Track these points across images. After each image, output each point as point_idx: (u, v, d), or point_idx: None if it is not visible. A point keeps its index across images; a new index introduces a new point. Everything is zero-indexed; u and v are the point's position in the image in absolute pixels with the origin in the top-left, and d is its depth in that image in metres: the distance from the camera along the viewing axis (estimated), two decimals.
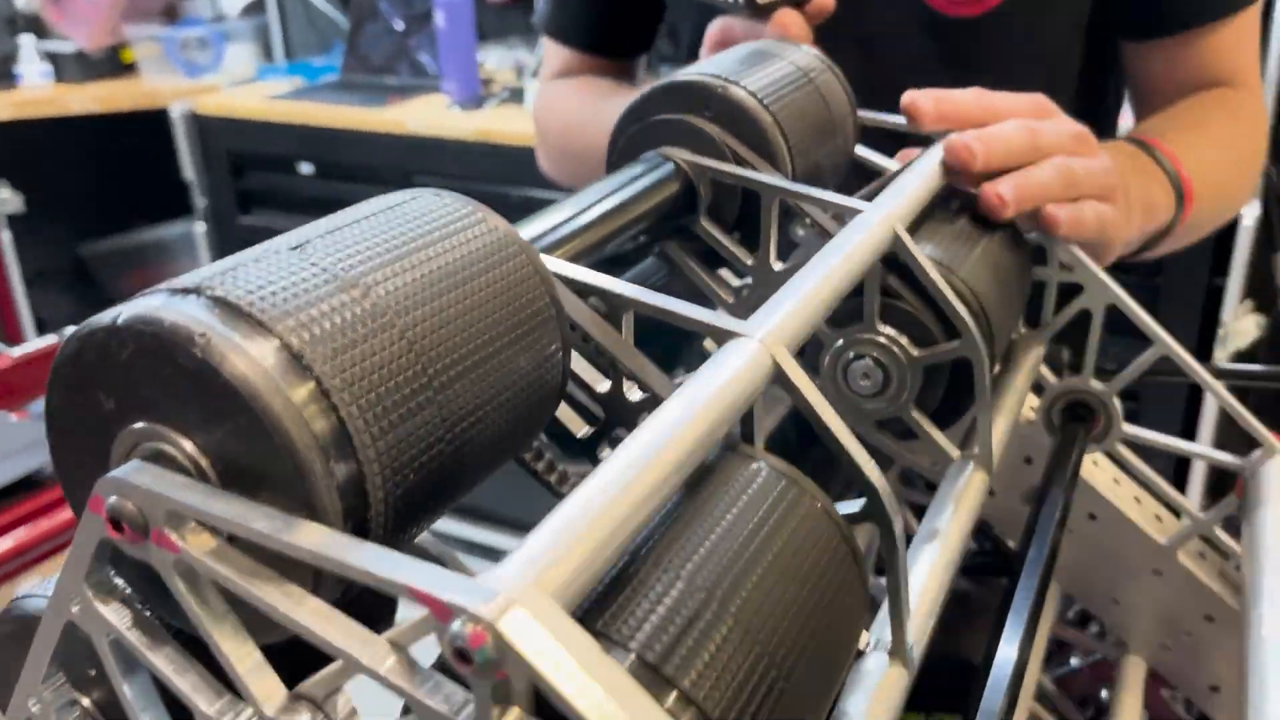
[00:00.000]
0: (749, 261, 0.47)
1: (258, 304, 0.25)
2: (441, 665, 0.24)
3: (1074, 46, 0.81)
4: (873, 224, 0.43)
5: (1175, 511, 0.59)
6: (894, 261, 0.46)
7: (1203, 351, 1.62)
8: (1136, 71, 0.83)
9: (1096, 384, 0.56)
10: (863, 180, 0.56)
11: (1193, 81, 0.80)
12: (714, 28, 0.70)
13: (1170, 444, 0.57)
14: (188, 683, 0.27)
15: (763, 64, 0.52)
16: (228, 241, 2.38)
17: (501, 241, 0.32)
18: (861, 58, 0.69)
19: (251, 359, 0.24)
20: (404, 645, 0.24)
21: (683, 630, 0.26)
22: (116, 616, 0.27)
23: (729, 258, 0.47)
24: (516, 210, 1.57)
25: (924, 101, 0.54)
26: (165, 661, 0.27)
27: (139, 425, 0.26)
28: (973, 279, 0.48)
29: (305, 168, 2.25)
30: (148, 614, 0.28)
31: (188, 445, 0.25)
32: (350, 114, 2.11)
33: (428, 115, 2.06)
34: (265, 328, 0.25)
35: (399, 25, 2.38)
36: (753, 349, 0.32)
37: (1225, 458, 0.55)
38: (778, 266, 0.47)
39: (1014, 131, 0.53)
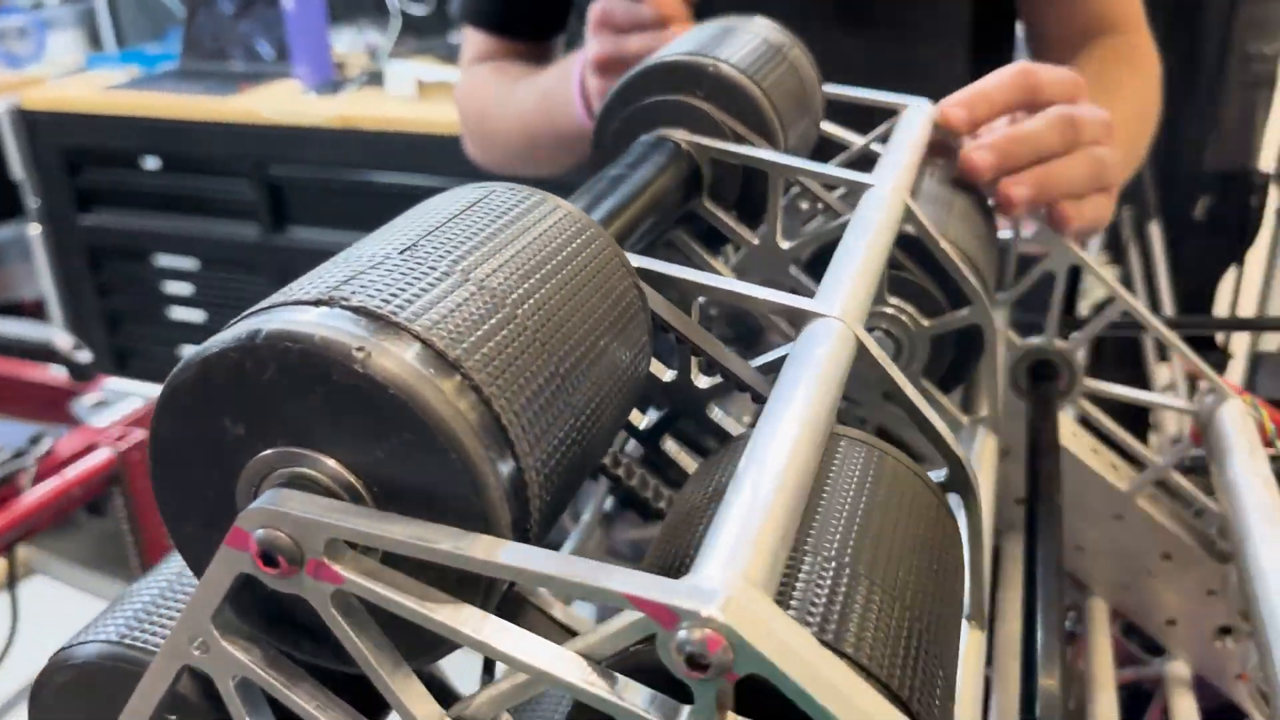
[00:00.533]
0: (755, 241, 0.47)
1: (401, 312, 0.24)
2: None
3: (965, 5, 0.85)
4: (887, 198, 0.43)
5: (1128, 457, 0.62)
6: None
7: (1068, 304, 1.71)
8: (1033, 19, 0.88)
9: (1060, 343, 0.59)
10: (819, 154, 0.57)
11: (1086, 26, 0.84)
12: (594, 8, 0.70)
13: (1128, 394, 0.60)
14: (332, 719, 0.25)
15: (738, 41, 0.51)
16: (67, 244, 2.24)
17: (593, 235, 0.31)
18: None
19: (416, 371, 0.23)
20: (598, 656, 0.23)
21: (844, 605, 0.26)
22: (248, 655, 0.25)
23: (734, 237, 0.47)
24: (381, 199, 1.59)
25: (956, 115, 0.55)
26: (306, 698, 0.25)
27: (272, 451, 0.24)
28: (962, 243, 0.49)
29: (150, 162, 2.13)
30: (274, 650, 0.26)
31: (331, 465, 0.24)
32: (199, 104, 2.01)
33: (283, 102, 1.98)
34: (418, 337, 0.23)
35: (228, 9, 2.27)
36: (839, 329, 0.32)
37: (1180, 404, 0.59)
38: (785, 245, 0.47)
39: (1048, 130, 0.54)
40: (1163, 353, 1.98)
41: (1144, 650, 0.70)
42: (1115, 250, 1.83)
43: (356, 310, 0.24)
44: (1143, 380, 1.86)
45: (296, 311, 0.24)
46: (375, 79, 2.04)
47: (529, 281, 0.27)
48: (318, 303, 0.24)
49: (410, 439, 0.23)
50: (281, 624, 0.26)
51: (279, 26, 2.21)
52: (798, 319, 0.33)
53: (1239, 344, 1.97)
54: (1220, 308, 2.07)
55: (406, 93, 1.95)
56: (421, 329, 0.24)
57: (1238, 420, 0.55)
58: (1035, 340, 0.59)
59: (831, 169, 0.45)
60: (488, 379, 0.24)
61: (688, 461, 0.37)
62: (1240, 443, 0.53)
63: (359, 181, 1.98)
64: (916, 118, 0.54)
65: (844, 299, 0.34)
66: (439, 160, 1.89)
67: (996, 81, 0.56)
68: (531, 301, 0.27)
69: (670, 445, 0.37)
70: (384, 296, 0.24)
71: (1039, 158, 0.54)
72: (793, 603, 0.26)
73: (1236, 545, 0.48)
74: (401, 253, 0.27)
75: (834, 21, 0.83)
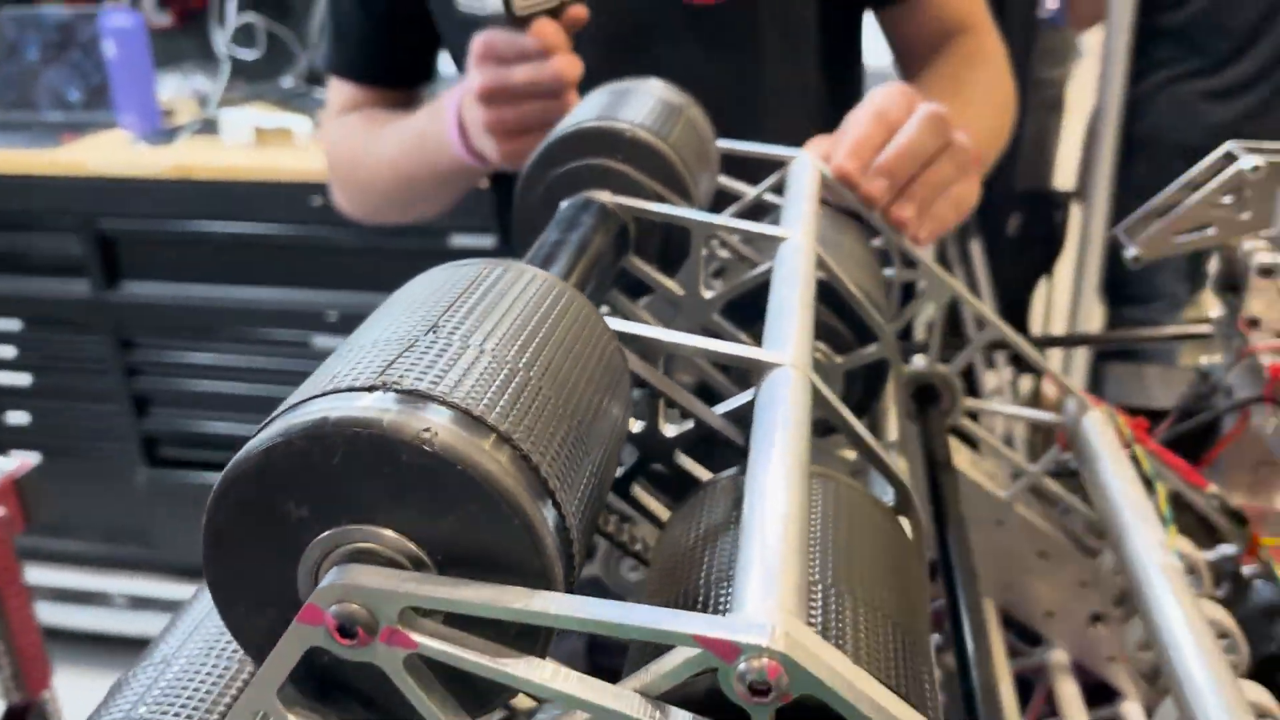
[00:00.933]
0: (680, 292, 0.50)
1: (452, 392, 0.26)
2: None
3: (811, 23, 0.91)
4: (803, 249, 0.47)
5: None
6: None
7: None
8: (892, 34, 0.96)
9: (941, 368, 0.64)
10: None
11: (939, 31, 0.93)
12: (477, 40, 0.73)
13: (1003, 410, 0.66)
14: None
15: (644, 104, 0.55)
16: None
17: (581, 303, 0.33)
18: (619, 54, 0.74)
19: (480, 447, 0.25)
20: (653, 693, 0.26)
21: (850, 623, 0.29)
22: None
23: (661, 290, 0.50)
24: (221, 249, 1.54)
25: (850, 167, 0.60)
26: None
27: (333, 530, 0.26)
28: (860, 282, 0.54)
29: None
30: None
31: (393, 537, 0.26)
32: (20, 157, 1.91)
33: (112, 153, 1.91)
34: (470, 414, 0.26)
35: (34, 55, 2.17)
36: (795, 377, 0.36)
37: (1046, 416, 0.65)
38: (708, 294, 0.50)
39: (924, 135, 0.60)
40: (990, 361, 2.12)
41: (1021, 642, 0.76)
42: (942, 267, 1.96)
43: (410, 393, 0.26)
44: (972, 386, 1.99)
45: (352, 399, 0.26)
46: (209, 127, 1.99)
47: (542, 354, 0.30)
48: (371, 388, 0.26)
49: (476, 508, 0.25)
50: (333, 692, 0.28)
51: (93, 73, 2.12)
52: (756, 368, 0.37)
53: (1052, 353, 2.14)
54: (1034, 318, 2.24)
55: (244, 140, 1.91)
56: (473, 406, 0.26)
57: (1101, 428, 0.61)
58: (918, 366, 0.64)
59: (748, 224, 0.49)
60: (534, 449, 0.26)
61: (658, 507, 0.40)
62: (1106, 448, 0.59)
63: (198, 232, 1.93)
64: (805, 169, 0.59)
65: (793, 348, 0.38)
66: (281, 208, 1.86)
67: (864, 128, 0.61)
68: (547, 373, 0.29)
69: (637, 489, 0.40)
70: (431, 378, 0.26)
71: (921, 166, 0.60)
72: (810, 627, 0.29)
73: (1113, 539, 0.54)
74: (427, 333, 0.29)
75: (697, 57, 0.88)
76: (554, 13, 0.71)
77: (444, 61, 0.99)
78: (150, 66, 2.02)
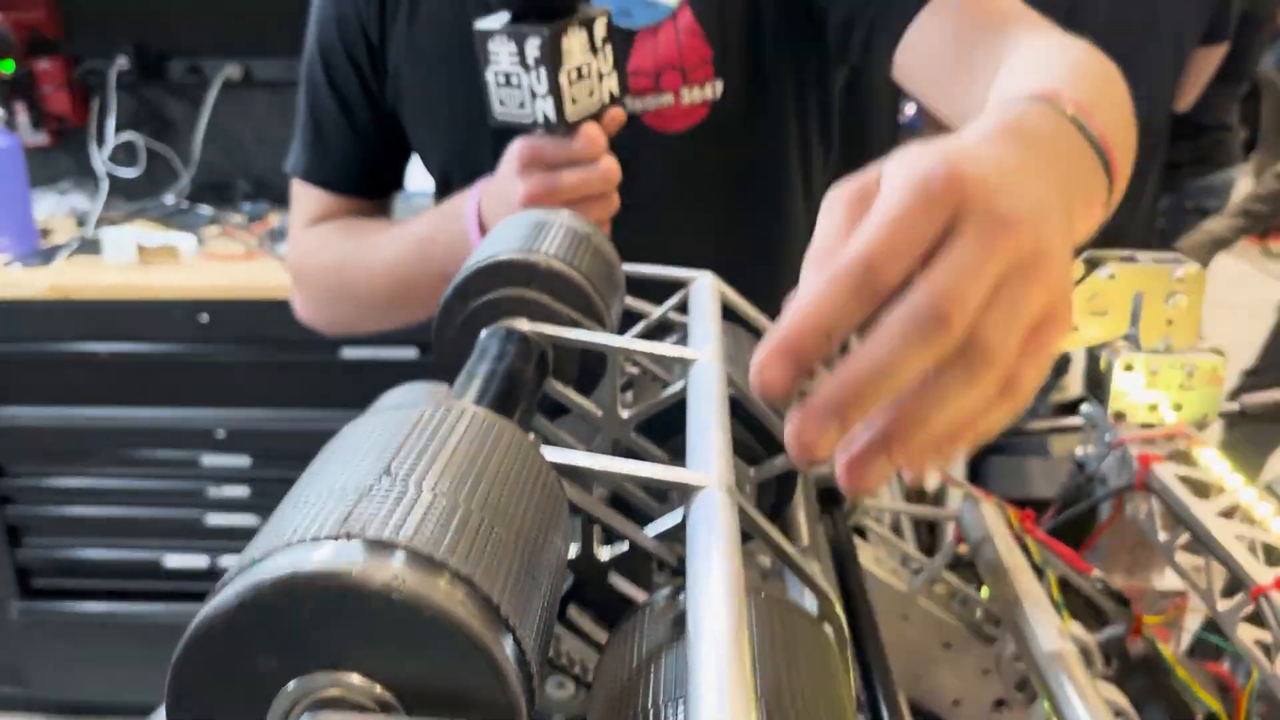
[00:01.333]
0: (599, 413, 0.53)
1: (414, 540, 0.27)
2: None
3: (787, 125, 0.91)
4: (714, 369, 0.50)
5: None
6: None
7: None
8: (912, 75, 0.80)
9: None
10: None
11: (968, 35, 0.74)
12: (521, 148, 0.74)
13: (902, 509, 0.69)
14: None
15: (555, 233, 0.57)
16: None
17: (520, 438, 0.35)
18: None
19: (448, 592, 0.26)
20: None
21: None
22: None
23: (580, 412, 0.53)
24: (103, 370, 1.52)
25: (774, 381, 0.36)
26: None
27: (302, 678, 0.27)
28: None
29: None
30: None
31: (360, 683, 0.27)
32: None
33: None
34: (433, 560, 0.27)
35: None
36: (722, 498, 0.38)
37: (945, 512, 0.69)
38: (625, 414, 0.53)
39: (900, 352, 0.34)
40: None
41: None
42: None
43: (374, 543, 0.27)
44: None
45: (314, 549, 0.27)
46: (89, 246, 1.95)
47: (491, 493, 0.31)
48: (335, 538, 0.27)
49: (442, 649, 0.26)
50: None
51: None
52: (684, 491, 0.39)
53: None
54: None
55: (126, 259, 1.88)
56: (434, 551, 0.27)
57: (993, 520, 0.65)
58: (821, 470, 0.68)
59: (661, 346, 0.52)
60: (492, 588, 0.28)
61: (593, 627, 0.41)
62: (999, 539, 0.63)
63: (77, 353, 1.88)
64: (705, 289, 0.62)
65: (718, 469, 0.40)
66: (167, 326, 1.84)
67: (821, 301, 0.34)
68: (496, 510, 0.31)
69: (574, 611, 0.41)
70: (392, 527, 0.28)
71: (894, 389, 0.35)
72: None
73: (1012, 627, 0.57)
74: (380, 478, 0.30)
75: (670, 182, 0.90)
76: (597, 116, 0.74)
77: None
78: (26, 186, 1.98)
